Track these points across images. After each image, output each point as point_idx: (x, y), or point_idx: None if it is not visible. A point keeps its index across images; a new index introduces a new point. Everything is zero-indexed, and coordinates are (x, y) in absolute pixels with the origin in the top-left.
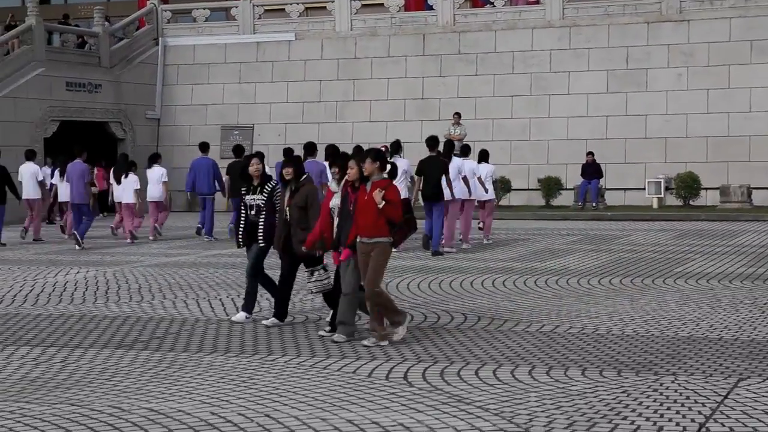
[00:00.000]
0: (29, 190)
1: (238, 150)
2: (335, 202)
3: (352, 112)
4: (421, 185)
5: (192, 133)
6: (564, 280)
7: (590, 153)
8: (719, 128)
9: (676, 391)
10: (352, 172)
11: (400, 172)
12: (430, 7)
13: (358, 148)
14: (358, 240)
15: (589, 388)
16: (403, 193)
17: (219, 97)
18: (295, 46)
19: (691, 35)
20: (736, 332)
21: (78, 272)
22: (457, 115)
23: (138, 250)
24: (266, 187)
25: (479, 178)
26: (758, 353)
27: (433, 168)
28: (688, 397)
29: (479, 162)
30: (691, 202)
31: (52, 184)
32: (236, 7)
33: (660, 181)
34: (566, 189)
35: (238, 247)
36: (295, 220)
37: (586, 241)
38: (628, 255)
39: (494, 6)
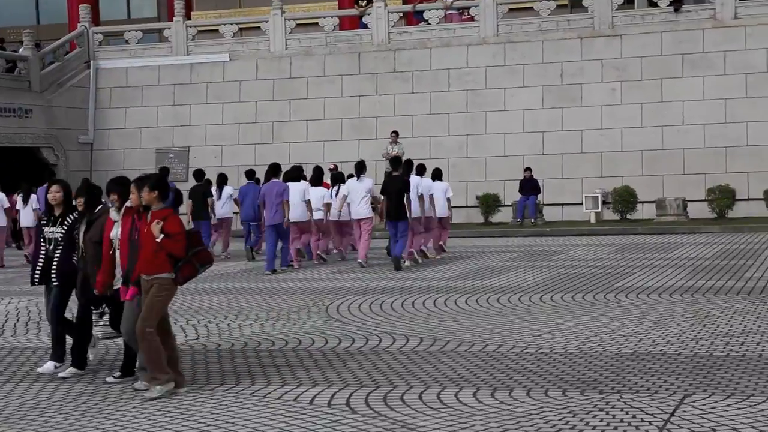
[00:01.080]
0: None
1: (198, 174)
2: (115, 232)
3: (288, 132)
4: (386, 204)
5: (126, 156)
6: (505, 298)
7: (528, 169)
8: (653, 142)
9: (622, 409)
10: (133, 197)
11: (363, 190)
12: (365, 26)
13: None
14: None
15: (535, 409)
16: (367, 212)
17: (153, 120)
18: (229, 67)
19: (623, 50)
20: (679, 347)
21: (9, 302)
22: (395, 133)
23: None
24: (68, 218)
25: (431, 196)
26: (702, 368)
27: (396, 187)
28: (634, 416)
29: (433, 180)
30: (628, 216)
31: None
32: (169, 28)
33: (597, 196)
34: (504, 205)
35: (32, 284)
36: (90, 257)
37: (526, 258)
38: (568, 271)
39: (429, 24)
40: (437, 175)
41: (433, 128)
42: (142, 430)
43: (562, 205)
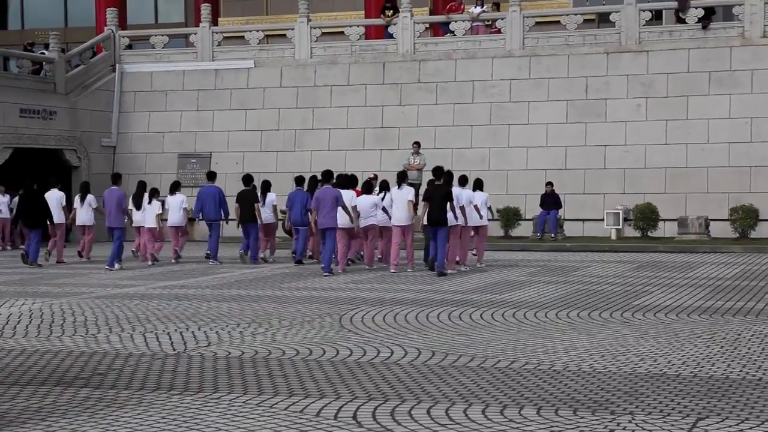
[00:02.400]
0: None
1: (247, 179)
2: None
3: (310, 140)
4: (427, 211)
5: (148, 160)
6: (521, 313)
7: (549, 183)
8: (677, 159)
9: (633, 431)
10: None
11: (405, 198)
12: (391, 36)
13: None
14: None
15: (544, 428)
16: (407, 219)
17: (176, 125)
18: (253, 74)
19: (650, 66)
20: (695, 369)
21: (23, 304)
22: (417, 144)
23: (88, 281)
24: None
25: (475, 206)
26: (716, 391)
27: (439, 195)
28: None
29: (474, 190)
30: (649, 234)
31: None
32: (195, 34)
33: (618, 212)
34: (525, 219)
35: None
36: None
37: (545, 273)
38: (586, 287)
39: (454, 35)
40: (478, 185)
41: (456, 140)
42: None
43: (583, 220)
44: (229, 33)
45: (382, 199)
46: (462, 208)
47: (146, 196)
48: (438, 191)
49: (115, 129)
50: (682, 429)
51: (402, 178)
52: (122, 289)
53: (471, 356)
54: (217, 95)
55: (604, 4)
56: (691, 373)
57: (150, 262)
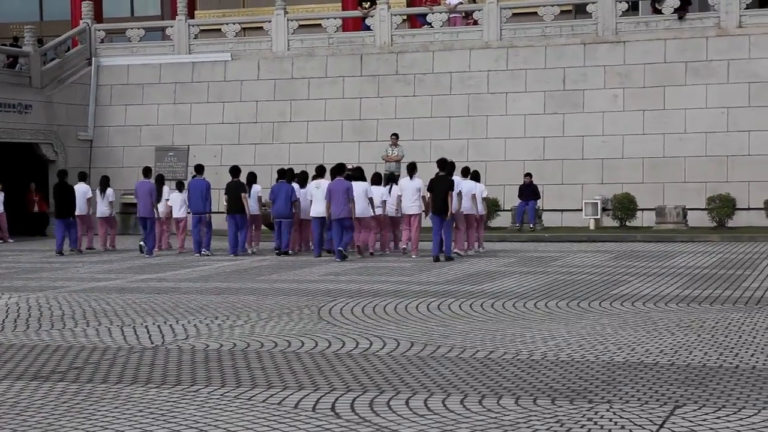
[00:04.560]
0: None
1: (234, 170)
2: None
3: (288, 133)
4: (431, 201)
5: (126, 154)
6: (500, 304)
7: (528, 174)
8: (655, 149)
9: (611, 420)
10: None
11: (413, 189)
12: (368, 28)
13: None
14: None
15: (522, 418)
16: (417, 209)
17: (153, 118)
18: (231, 67)
19: (626, 56)
20: (672, 357)
21: None
22: (395, 136)
23: (65, 275)
24: None
25: (473, 196)
26: (694, 379)
27: (442, 186)
28: (623, 427)
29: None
30: (627, 223)
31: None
32: (171, 27)
33: (597, 202)
34: (504, 210)
35: None
36: None
37: (523, 263)
38: (564, 277)
39: (432, 27)
40: (475, 177)
41: (434, 131)
42: (122, 431)
43: (562, 211)
44: (206, 26)
45: (389, 191)
46: (459, 194)
47: (166, 189)
48: (441, 182)
49: (91, 122)
50: (659, 417)
51: (411, 169)
52: (99, 283)
53: (449, 347)
54: (195, 88)
55: None
56: (669, 361)
57: (178, 251)
